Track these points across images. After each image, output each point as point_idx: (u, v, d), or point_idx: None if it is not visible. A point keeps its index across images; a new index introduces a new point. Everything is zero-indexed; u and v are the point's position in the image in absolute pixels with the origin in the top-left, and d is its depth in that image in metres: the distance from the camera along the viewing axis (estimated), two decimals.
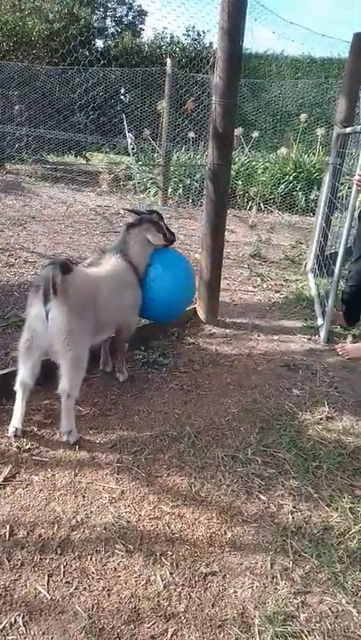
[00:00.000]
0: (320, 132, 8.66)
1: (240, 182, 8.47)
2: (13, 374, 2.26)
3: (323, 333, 3.53)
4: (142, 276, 2.65)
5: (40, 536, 1.74)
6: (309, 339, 3.57)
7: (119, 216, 6.75)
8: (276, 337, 3.55)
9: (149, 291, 2.69)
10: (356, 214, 3.50)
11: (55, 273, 2.00)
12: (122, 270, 2.53)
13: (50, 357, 2.18)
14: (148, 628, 1.47)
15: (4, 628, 1.43)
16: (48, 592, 1.55)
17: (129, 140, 8.44)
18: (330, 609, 1.57)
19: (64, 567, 1.63)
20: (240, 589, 1.62)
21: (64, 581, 1.59)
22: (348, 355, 3.30)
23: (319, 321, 3.71)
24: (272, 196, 8.43)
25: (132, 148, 8.53)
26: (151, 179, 8.83)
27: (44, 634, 1.43)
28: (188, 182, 8.56)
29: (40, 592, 1.54)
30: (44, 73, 10.26)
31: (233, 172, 7.99)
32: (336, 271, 3.39)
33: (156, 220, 2.73)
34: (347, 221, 3.29)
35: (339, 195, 4.86)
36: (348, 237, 3.40)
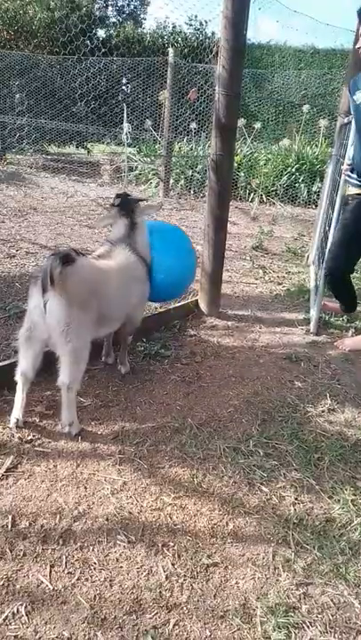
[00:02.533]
0: (323, 123, 8.59)
1: (242, 174, 8.43)
2: (15, 365, 2.26)
3: (312, 324, 3.54)
4: (150, 268, 2.64)
5: (42, 527, 1.74)
6: (310, 331, 3.56)
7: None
8: (278, 329, 3.55)
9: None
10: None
11: (54, 264, 1.98)
12: (132, 264, 2.50)
13: (51, 349, 2.17)
14: (150, 618, 1.47)
15: (6, 617, 1.43)
16: (50, 582, 1.55)
17: (125, 130, 8.35)
18: (332, 600, 1.58)
19: (66, 558, 1.63)
20: (242, 580, 1.62)
21: (66, 572, 1.59)
22: (348, 348, 3.29)
23: (311, 312, 3.70)
24: (274, 188, 8.39)
25: (126, 139, 8.46)
26: (153, 170, 8.78)
27: (46, 624, 1.43)
28: (190, 173, 8.51)
29: (42, 582, 1.55)
30: (44, 62, 10.18)
31: (235, 164, 7.94)
32: (325, 263, 3.40)
33: (137, 199, 2.68)
34: (335, 212, 3.29)
35: None
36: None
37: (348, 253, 3.34)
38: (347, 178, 3.25)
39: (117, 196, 2.66)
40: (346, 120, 4.04)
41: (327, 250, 3.38)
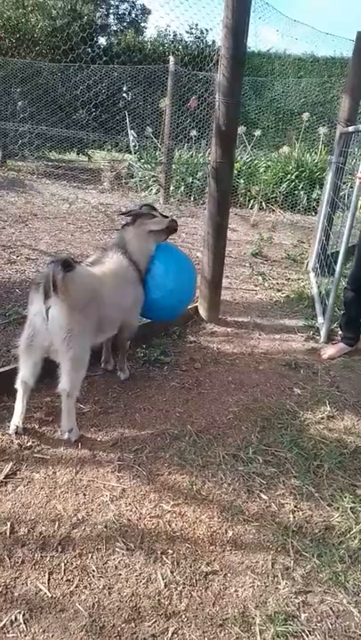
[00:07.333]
0: (322, 130, 8.65)
1: (242, 181, 8.46)
2: (15, 372, 2.26)
3: (323, 332, 3.52)
4: (144, 273, 2.64)
5: (41, 534, 1.74)
6: (311, 338, 3.56)
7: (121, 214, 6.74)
8: (277, 336, 3.55)
9: (150, 290, 2.69)
10: (358, 213, 3.40)
11: (56, 270, 1.98)
12: (123, 268, 2.51)
13: (50, 356, 2.17)
14: (149, 626, 1.46)
15: (4, 625, 1.43)
16: (49, 590, 1.54)
17: (131, 138, 8.40)
18: (331, 609, 1.57)
19: (65, 565, 1.63)
20: (241, 588, 1.61)
21: (65, 579, 1.58)
22: (326, 355, 3.26)
23: (320, 320, 3.70)
24: (274, 195, 8.42)
25: (135, 146, 8.49)
26: (153, 177, 8.82)
27: (44, 632, 1.42)
28: (190, 180, 8.55)
29: (41, 590, 1.54)
30: (46, 69, 10.25)
31: (235, 171, 7.97)
32: (337, 270, 3.38)
33: (147, 212, 2.69)
34: (348, 219, 3.27)
35: (341, 194, 4.85)
36: (350, 236, 3.35)
37: None
38: None
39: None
40: (352, 129, 4.05)
41: (347, 263, 3.20)
